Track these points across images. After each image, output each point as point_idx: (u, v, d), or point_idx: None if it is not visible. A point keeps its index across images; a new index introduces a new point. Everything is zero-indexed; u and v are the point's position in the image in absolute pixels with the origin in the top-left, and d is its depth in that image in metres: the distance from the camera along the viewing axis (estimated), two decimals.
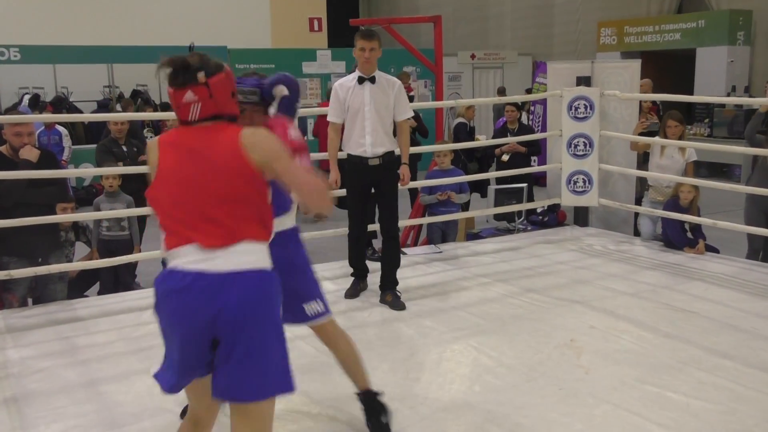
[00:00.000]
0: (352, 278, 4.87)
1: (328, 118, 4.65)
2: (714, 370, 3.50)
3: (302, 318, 2.84)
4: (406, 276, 5.07)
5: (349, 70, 5.16)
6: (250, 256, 2.09)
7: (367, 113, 4.48)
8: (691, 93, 12.86)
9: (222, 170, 2.08)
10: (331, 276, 5.20)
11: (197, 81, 2.11)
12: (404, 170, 4.68)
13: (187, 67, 2.11)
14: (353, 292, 4.78)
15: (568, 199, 6.56)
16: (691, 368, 3.52)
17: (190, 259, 2.05)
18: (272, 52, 13.63)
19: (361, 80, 4.49)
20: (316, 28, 16.63)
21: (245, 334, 2.04)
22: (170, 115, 6.61)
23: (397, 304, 4.56)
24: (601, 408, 3.13)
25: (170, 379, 2.14)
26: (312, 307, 2.84)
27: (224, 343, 2.05)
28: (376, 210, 4.91)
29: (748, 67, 13.33)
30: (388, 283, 4.68)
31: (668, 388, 3.31)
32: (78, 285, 5.33)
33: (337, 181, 4.66)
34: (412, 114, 4.84)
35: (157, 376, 2.19)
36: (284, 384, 2.13)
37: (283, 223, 2.77)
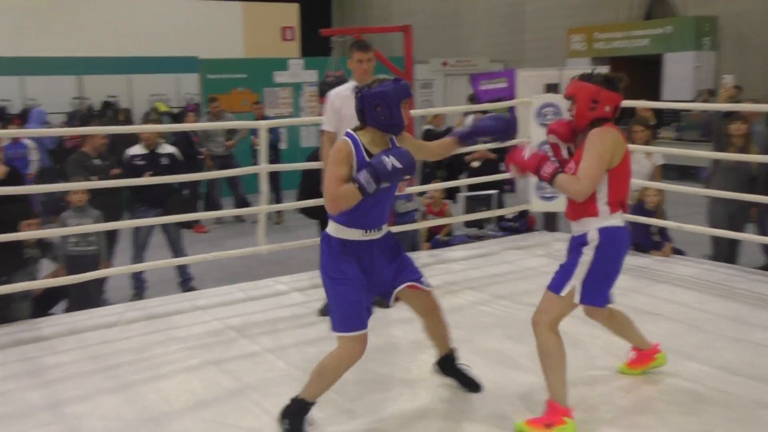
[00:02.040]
0: None
1: (323, 128, 4.64)
2: (678, 373, 3.54)
3: None
4: None
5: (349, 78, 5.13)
6: None
7: None
8: (658, 98, 13.07)
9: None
10: (300, 287, 5.17)
11: None
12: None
13: None
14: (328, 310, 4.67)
15: (537, 205, 6.61)
16: (656, 370, 3.56)
17: (618, 220, 3.07)
18: (244, 61, 13.58)
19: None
20: (289, 37, 16.61)
21: None
22: (142, 128, 6.56)
23: (384, 302, 4.61)
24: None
25: (608, 296, 3.20)
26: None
27: None
28: None
29: (714, 72, 13.58)
30: None
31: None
32: (43, 302, 5.23)
33: None
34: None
35: (593, 300, 3.16)
36: None
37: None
